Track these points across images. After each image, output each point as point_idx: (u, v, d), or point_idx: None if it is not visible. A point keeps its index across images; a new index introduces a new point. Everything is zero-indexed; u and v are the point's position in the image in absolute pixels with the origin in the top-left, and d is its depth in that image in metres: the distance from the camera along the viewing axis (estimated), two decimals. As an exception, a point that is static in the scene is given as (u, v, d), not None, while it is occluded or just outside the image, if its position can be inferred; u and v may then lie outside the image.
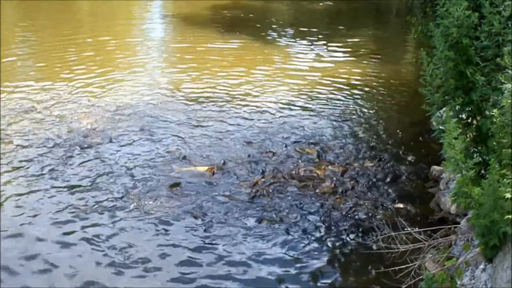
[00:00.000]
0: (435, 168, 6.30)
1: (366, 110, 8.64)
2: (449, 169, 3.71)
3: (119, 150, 6.98)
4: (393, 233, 4.69)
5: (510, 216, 3.17)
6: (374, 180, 6.32)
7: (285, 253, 5.03)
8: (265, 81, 9.79)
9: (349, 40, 12.84)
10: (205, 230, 5.32)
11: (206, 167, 6.47)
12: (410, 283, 4.23)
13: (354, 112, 8.52)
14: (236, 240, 5.18)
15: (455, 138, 3.59)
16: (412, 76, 9.84)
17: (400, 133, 7.72)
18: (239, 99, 8.86)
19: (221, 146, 7.12)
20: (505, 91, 3.47)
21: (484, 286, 3.59)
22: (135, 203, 5.73)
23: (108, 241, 5.11)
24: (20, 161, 6.58)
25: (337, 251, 5.10)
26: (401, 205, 5.78)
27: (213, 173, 6.37)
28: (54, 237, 5.16)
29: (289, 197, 5.92)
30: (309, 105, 8.68)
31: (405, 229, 4.74)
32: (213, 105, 8.57)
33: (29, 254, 4.89)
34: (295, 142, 7.25)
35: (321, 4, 17.68)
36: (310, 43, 12.49)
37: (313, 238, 5.25)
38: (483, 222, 3.36)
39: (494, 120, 3.53)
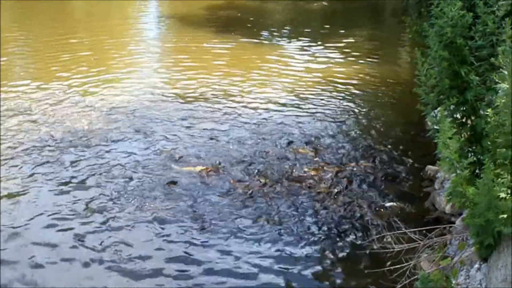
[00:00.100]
0: (430, 167, 6.30)
1: (361, 110, 8.64)
2: (444, 169, 3.72)
3: (114, 150, 6.96)
4: (388, 233, 4.70)
5: (504, 216, 3.18)
6: (369, 180, 6.32)
7: (279, 254, 5.01)
8: (260, 81, 9.78)
9: (344, 40, 12.86)
10: (199, 230, 5.31)
11: (201, 167, 6.46)
12: (405, 283, 4.23)
13: (349, 112, 8.52)
14: (230, 240, 5.17)
15: (450, 138, 3.60)
16: (408, 76, 9.85)
17: (395, 132, 7.73)
18: (234, 99, 8.85)
19: (216, 146, 7.11)
20: (500, 91, 3.47)
21: (479, 285, 3.59)
22: (129, 203, 5.71)
23: (102, 240, 5.09)
24: (14, 161, 6.56)
25: (332, 251, 5.09)
26: (396, 205, 5.78)
27: (208, 173, 6.36)
28: (48, 236, 5.14)
29: (284, 198, 5.90)
30: (304, 105, 8.68)
31: (400, 229, 4.74)
32: (208, 105, 8.56)
33: (24, 254, 4.87)
34: (290, 142, 7.24)
35: (315, 4, 17.68)
36: (305, 43, 12.50)
37: (307, 238, 5.24)
38: (478, 221, 3.37)
39: (489, 119, 3.54)
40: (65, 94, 8.86)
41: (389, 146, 7.23)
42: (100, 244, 5.05)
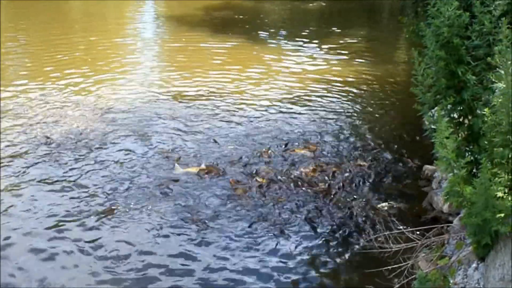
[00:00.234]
0: (428, 167, 6.31)
1: (359, 110, 8.65)
2: (441, 168, 3.72)
3: (111, 150, 6.94)
4: (386, 233, 4.70)
5: (502, 215, 3.18)
6: (367, 179, 6.32)
7: (277, 253, 5.02)
8: (257, 81, 9.79)
9: (341, 40, 12.86)
10: (197, 231, 5.30)
11: (199, 168, 6.45)
12: (403, 283, 4.23)
13: (347, 112, 8.53)
14: (229, 241, 5.17)
15: (447, 137, 3.60)
16: (405, 75, 9.86)
17: (392, 132, 7.74)
18: (231, 99, 8.84)
19: (214, 146, 7.10)
20: (496, 90, 3.48)
21: (476, 285, 3.60)
22: (127, 204, 5.70)
23: (99, 241, 5.09)
24: (10, 162, 6.53)
25: (330, 250, 5.10)
26: (393, 204, 5.78)
27: (206, 174, 6.35)
28: (45, 239, 5.12)
29: (282, 197, 5.90)
30: (301, 105, 8.68)
31: (398, 229, 4.75)
32: (205, 105, 8.56)
33: (21, 254, 4.86)
34: (288, 142, 7.24)
35: (311, 4, 17.67)
36: (302, 43, 12.50)
37: (305, 238, 5.24)
38: (475, 221, 3.37)
39: (486, 119, 3.54)
40: (61, 94, 8.84)
41: (387, 146, 7.24)
42: (98, 245, 5.04)
